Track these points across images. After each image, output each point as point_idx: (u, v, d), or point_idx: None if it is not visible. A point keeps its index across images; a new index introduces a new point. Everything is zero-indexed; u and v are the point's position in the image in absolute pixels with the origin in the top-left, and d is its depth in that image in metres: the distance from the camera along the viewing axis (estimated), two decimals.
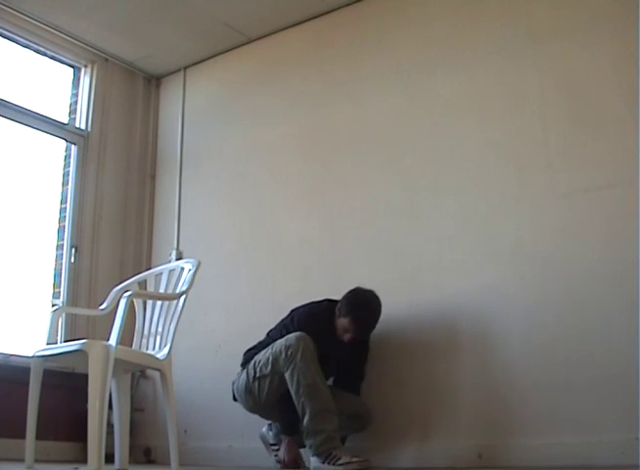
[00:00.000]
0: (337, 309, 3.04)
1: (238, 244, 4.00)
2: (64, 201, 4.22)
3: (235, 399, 3.11)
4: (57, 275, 4.10)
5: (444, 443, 3.02)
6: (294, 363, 2.81)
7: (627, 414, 2.49)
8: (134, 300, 2.90)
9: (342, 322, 3.00)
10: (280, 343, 2.91)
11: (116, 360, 2.48)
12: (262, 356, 2.97)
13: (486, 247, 3.15)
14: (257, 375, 2.96)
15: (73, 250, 4.11)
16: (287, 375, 2.83)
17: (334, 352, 3.02)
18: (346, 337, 3.00)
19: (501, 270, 3.08)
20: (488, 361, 3.01)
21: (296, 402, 2.81)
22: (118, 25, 4.13)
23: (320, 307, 3.12)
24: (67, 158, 4.31)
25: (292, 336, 2.88)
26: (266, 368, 2.92)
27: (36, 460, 2.68)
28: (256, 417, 3.17)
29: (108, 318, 2.83)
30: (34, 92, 4.18)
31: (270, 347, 2.96)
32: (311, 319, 3.04)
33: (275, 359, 2.89)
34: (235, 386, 3.10)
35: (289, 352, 2.83)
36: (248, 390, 3.00)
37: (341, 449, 2.79)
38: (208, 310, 3.85)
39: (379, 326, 3.08)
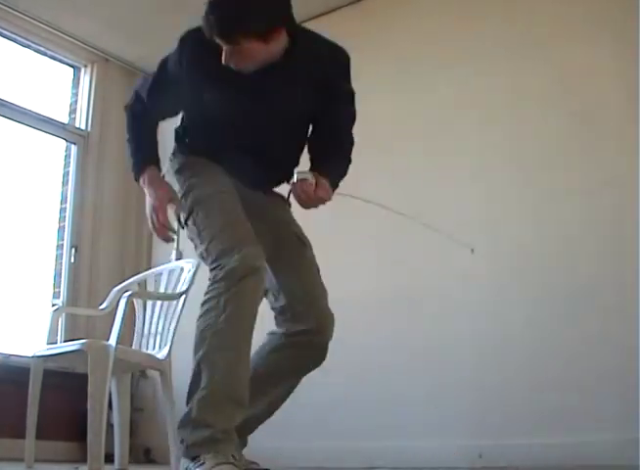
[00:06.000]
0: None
1: None
2: (64, 201, 4.22)
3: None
4: (57, 275, 4.10)
5: (444, 443, 3.02)
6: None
7: (627, 414, 2.49)
8: (134, 300, 2.89)
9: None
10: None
11: (116, 360, 2.48)
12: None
13: (487, 247, 3.15)
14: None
15: (73, 250, 4.11)
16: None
17: (263, 104, 1.96)
18: (230, 60, 1.82)
19: (501, 270, 3.08)
20: (488, 361, 3.01)
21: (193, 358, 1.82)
22: (118, 25, 4.13)
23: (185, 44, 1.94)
24: (67, 158, 4.31)
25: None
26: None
27: (36, 460, 2.67)
28: None
29: (108, 318, 2.83)
30: (34, 92, 4.18)
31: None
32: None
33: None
34: None
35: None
36: None
37: (218, 454, 1.72)
38: None
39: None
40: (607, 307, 2.76)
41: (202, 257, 1.95)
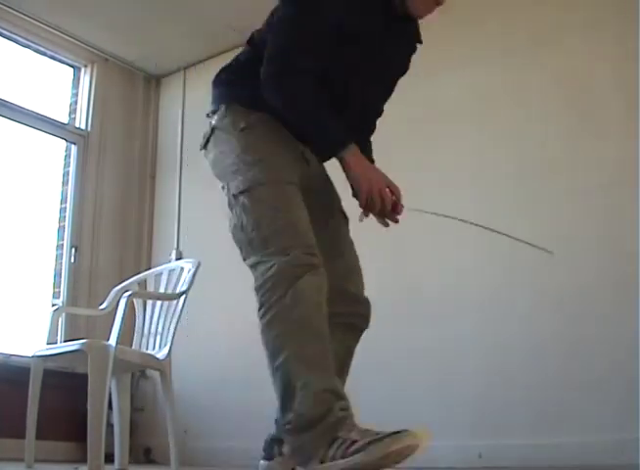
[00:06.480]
0: None
1: None
2: (64, 201, 4.23)
3: None
4: (57, 275, 4.10)
5: (444, 443, 3.02)
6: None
7: (627, 414, 2.49)
8: (134, 300, 2.89)
9: None
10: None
11: (116, 360, 2.48)
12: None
13: (485, 247, 3.15)
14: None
15: (73, 250, 4.12)
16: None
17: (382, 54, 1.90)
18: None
19: (500, 270, 3.08)
20: (488, 361, 3.01)
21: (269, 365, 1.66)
22: (118, 25, 4.13)
23: None
24: (67, 158, 4.31)
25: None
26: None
27: (36, 460, 2.67)
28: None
29: (108, 318, 2.83)
30: (34, 92, 4.19)
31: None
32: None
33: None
34: None
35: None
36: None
37: (350, 426, 1.62)
38: (208, 310, 3.85)
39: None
40: (607, 307, 2.75)
41: (247, 243, 1.80)
